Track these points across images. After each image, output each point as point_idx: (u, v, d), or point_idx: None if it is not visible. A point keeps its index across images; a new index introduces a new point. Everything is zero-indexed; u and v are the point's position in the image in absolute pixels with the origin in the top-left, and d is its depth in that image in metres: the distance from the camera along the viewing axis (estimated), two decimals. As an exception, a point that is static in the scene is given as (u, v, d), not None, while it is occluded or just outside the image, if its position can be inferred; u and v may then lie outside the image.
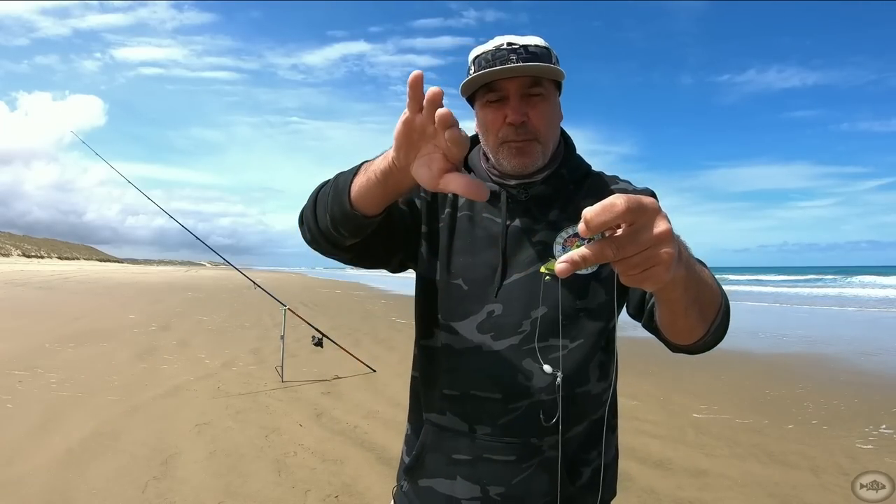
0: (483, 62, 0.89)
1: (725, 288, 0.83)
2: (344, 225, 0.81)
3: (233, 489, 2.76)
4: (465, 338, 0.92)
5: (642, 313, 0.91)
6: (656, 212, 0.50)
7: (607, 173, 1.02)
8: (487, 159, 1.00)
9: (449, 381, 0.93)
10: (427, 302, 0.99)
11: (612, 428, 0.97)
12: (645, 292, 0.88)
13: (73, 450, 3.17)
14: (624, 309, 0.98)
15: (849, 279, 35.40)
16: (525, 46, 0.88)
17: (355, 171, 0.79)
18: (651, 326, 0.89)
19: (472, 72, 0.91)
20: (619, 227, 0.49)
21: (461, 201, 1.00)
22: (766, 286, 28.81)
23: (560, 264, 0.48)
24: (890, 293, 20.89)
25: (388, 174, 0.70)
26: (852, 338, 8.61)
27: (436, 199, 1.00)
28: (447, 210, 0.98)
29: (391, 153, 0.67)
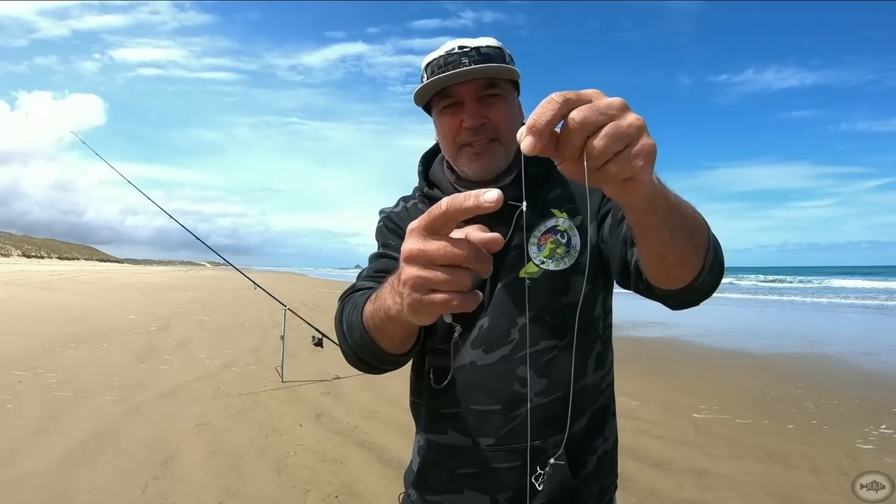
0: (435, 68, 0.86)
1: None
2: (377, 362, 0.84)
3: (233, 489, 2.76)
4: (459, 356, 0.91)
5: (628, 271, 0.80)
6: (623, 105, 0.43)
7: None
8: (452, 170, 0.97)
9: (446, 401, 0.92)
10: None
11: (613, 413, 0.98)
12: (625, 252, 0.79)
13: (73, 450, 3.17)
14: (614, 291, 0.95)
15: (849, 279, 35.38)
16: (477, 48, 0.85)
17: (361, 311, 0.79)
18: (641, 284, 0.78)
19: (424, 79, 0.88)
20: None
21: None
22: (767, 289, 28.79)
23: (525, 139, 0.43)
24: (890, 294, 20.88)
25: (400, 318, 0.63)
26: (852, 338, 8.61)
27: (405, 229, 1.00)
28: None
29: (401, 309, 0.56)
